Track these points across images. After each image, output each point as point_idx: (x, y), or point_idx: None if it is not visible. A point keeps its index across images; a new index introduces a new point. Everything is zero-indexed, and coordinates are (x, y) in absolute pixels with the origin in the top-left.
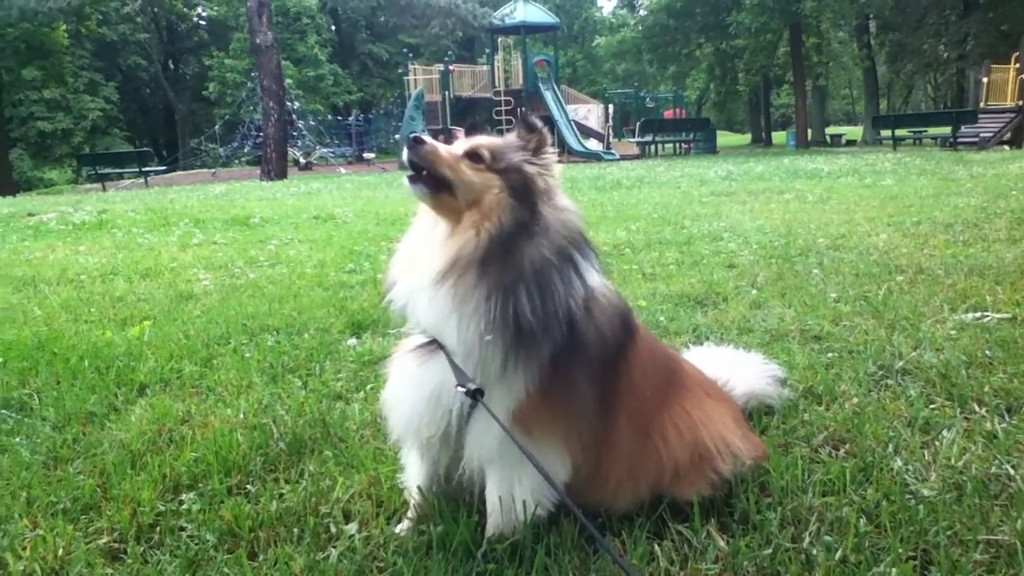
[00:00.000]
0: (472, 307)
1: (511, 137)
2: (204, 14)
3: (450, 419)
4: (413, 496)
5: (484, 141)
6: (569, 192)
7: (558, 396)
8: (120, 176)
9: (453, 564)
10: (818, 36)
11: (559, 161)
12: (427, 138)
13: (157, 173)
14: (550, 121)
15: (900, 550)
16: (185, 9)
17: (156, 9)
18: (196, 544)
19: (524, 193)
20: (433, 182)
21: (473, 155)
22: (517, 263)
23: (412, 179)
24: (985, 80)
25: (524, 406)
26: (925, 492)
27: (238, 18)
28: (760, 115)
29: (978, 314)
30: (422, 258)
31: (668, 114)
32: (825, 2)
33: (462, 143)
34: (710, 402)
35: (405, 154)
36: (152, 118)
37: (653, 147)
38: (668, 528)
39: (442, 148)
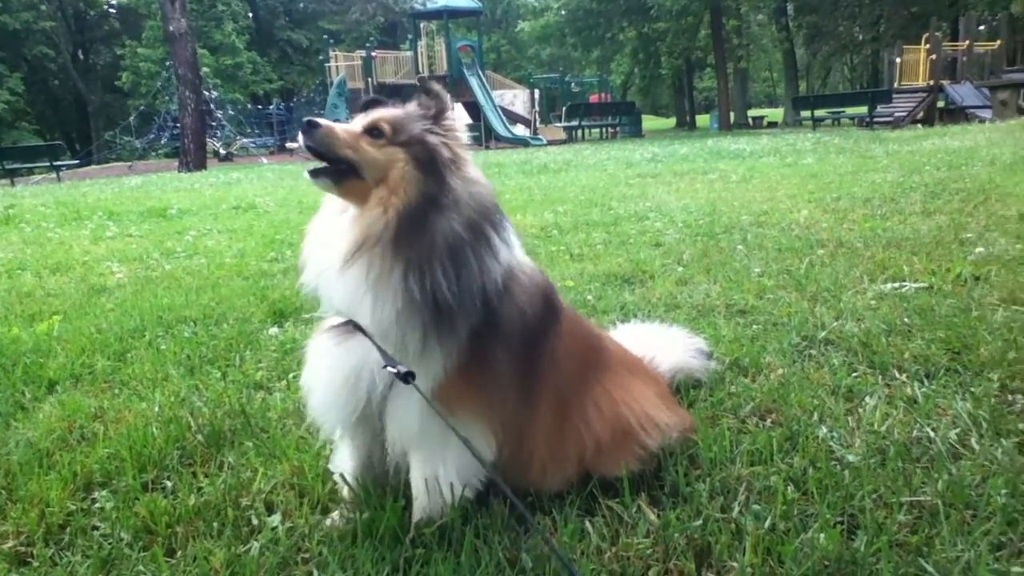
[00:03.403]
0: (386, 286)
1: (411, 107)
2: (114, 1)
3: (368, 400)
4: (348, 483)
5: (383, 114)
6: (496, 177)
7: (477, 375)
8: (30, 171)
9: (380, 551)
10: (738, 18)
11: (474, 141)
12: (322, 120)
13: (69, 167)
14: (476, 107)
15: (828, 515)
16: None
17: None
18: (109, 543)
19: (429, 164)
20: (336, 173)
21: (373, 130)
22: (430, 238)
23: (314, 173)
24: (898, 61)
25: (443, 386)
26: (850, 458)
27: (150, 5)
28: (684, 99)
29: (896, 284)
30: (332, 239)
31: (594, 98)
32: None
33: (361, 119)
34: (632, 379)
35: (301, 139)
36: (62, 110)
37: (580, 131)
38: (599, 504)
39: (339, 128)
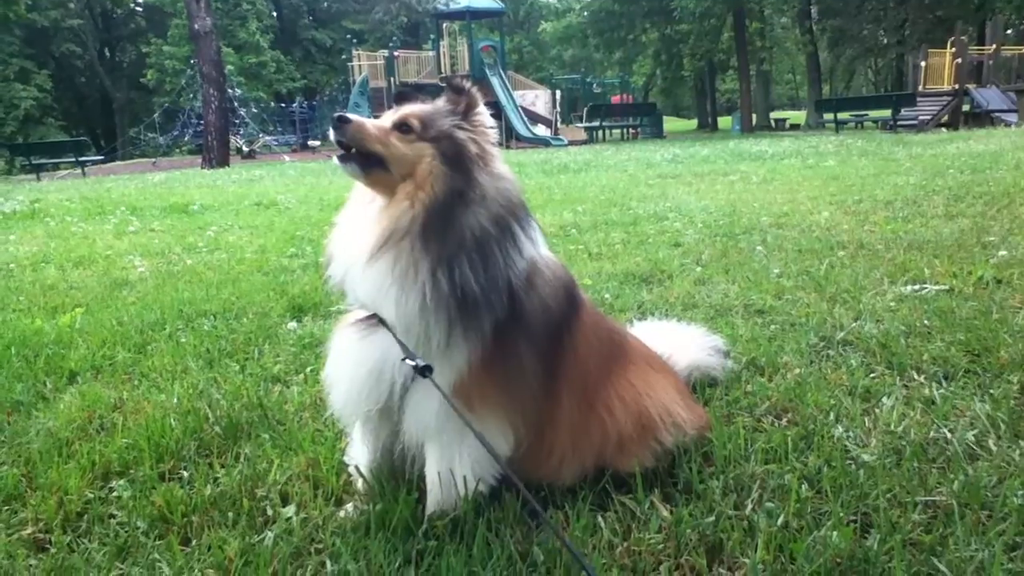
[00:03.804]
0: (412, 280)
1: (440, 103)
2: (140, 0)
3: (390, 393)
4: (362, 476)
5: (413, 110)
6: (517, 176)
7: (500, 369)
8: (56, 167)
9: (393, 543)
10: (761, 21)
11: (499, 141)
12: (352, 116)
13: (94, 163)
14: (497, 107)
15: (841, 514)
16: None
17: None
18: (126, 531)
19: (457, 160)
20: (364, 159)
21: (402, 126)
22: (457, 233)
23: (343, 158)
24: (923, 64)
25: (465, 380)
26: (865, 457)
27: (176, 4)
28: (706, 100)
29: (916, 286)
30: (358, 233)
31: (615, 99)
32: None
33: (390, 114)
34: (654, 374)
35: (332, 134)
36: (88, 107)
37: (600, 132)
38: (611, 499)
39: (369, 124)
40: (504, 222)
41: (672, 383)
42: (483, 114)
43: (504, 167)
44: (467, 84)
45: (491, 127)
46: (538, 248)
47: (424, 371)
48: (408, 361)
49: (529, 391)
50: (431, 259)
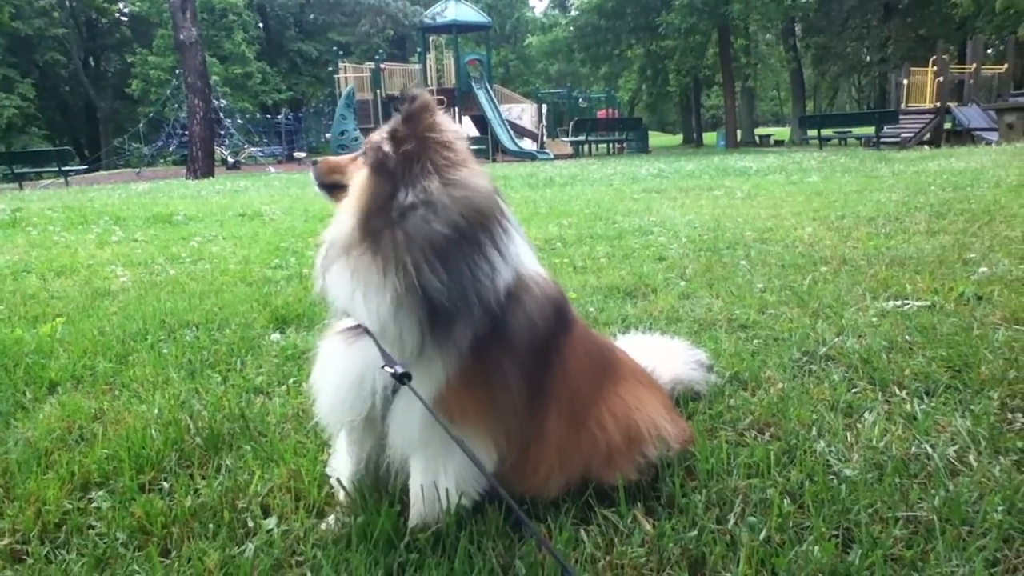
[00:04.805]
0: (371, 282)
1: (394, 119)
2: (126, 9)
3: (373, 402)
4: (344, 488)
5: (374, 135)
6: (502, 190)
7: (482, 387)
8: (39, 176)
9: (375, 555)
10: (746, 38)
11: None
12: (322, 159)
13: (78, 172)
14: (484, 121)
15: (823, 528)
16: (106, 4)
17: (74, 3)
18: (105, 542)
19: (380, 166)
20: (329, 188)
21: (366, 152)
22: (402, 236)
23: (319, 187)
24: (905, 82)
25: (445, 394)
26: (847, 472)
27: (161, 14)
28: (691, 116)
29: (899, 302)
30: None
31: (601, 114)
32: (752, 4)
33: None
34: (642, 388)
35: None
36: (72, 116)
37: (586, 146)
38: (594, 513)
39: (333, 160)
40: (466, 231)
41: (659, 397)
42: (432, 119)
43: (466, 177)
44: (414, 91)
45: (448, 131)
46: (524, 263)
47: (403, 378)
48: (387, 368)
49: (513, 410)
50: (381, 262)
